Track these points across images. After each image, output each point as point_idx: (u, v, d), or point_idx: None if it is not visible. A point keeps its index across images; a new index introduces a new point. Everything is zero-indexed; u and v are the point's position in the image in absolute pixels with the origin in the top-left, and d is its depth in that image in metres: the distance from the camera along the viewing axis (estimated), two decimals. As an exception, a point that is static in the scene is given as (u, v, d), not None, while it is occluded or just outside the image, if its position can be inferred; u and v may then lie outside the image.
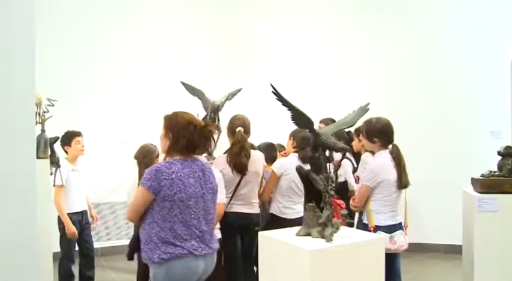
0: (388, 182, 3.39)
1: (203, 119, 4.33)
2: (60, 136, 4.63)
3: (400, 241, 3.37)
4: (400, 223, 3.48)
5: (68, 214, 4.51)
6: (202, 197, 2.69)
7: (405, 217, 3.63)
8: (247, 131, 4.00)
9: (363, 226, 3.46)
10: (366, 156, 4.44)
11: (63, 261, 4.60)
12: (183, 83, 4.70)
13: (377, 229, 3.35)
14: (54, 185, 4.46)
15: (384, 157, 3.47)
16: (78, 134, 4.73)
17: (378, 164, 3.48)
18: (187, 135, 2.67)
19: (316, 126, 2.77)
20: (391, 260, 3.40)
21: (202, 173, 2.74)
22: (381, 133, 3.48)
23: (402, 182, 3.41)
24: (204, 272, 2.73)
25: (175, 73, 6.31)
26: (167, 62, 7.15)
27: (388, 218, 3.41)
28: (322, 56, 7.26)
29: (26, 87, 2.33)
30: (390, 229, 3.37)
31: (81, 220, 4.66)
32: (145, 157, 3.99)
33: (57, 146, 4.54)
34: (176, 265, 2.60)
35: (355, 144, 4.84)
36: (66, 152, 4.71)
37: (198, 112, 4.47)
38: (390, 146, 3.51)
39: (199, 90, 4.64)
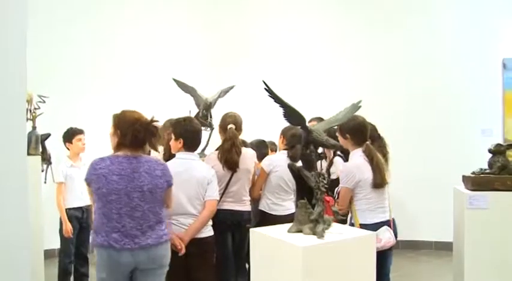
0: (366, 181, 3.34)
1: (195, 116, 4.34)
2: (63, 132, 4.72)
3: (386, 237, 3.32)
4: (388, 221, 3.41)
5: (66, 209, 4.51)
6: (126, 194, 2.78)
7: (389, 211, 3.55)
8: (238, 129, 4.00)
9: (350, 226, 3.37)
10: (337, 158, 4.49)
11: (60, 257, 4.60)
12: (176, 80, 4.70)
13: (362, 227, 3.24)
14: (45, 182, 4.45)
15: (357, 156, 3.44)
16: (80, 131, 4.75)
17: (352, 164, 3.45)
18: (133, 132, 2.82)
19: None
20: (379, 258, 3.39)
21: (134, 171, 2.81)
22: (353, 131, 3.45)
23: (376, 182, 3.34)
24: (137, 264, 2.82)
25: (168, 70, 6.31)
26: (159, 59, 7.14)
27: (373, 216, 3.35)
28: (315, 54, 7.26)
29: (17, 84, 2.33)
30: (375, 227, 3.26)
31: (80, 216, 4.64)
32: None
33: (49, 142, 4.53)
34: (103, 253, 2.81)
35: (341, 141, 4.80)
36: (68, 148, 4.73)
37: (190, 109, 4.48)
38: (364, 146, 3.45)
39: (192, 88, 4.64)
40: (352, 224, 3.41)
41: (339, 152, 4.85)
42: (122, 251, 2.78)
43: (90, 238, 2.88)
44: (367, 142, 3.47)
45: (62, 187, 4.51)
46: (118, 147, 2.90)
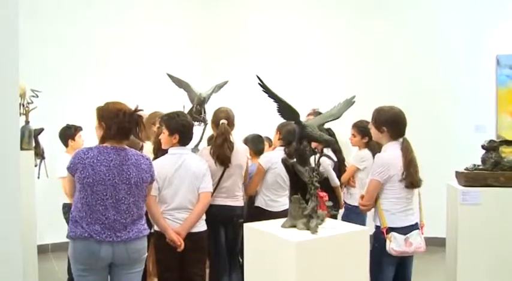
0: (399, 177, 3.15)
1: (189, 111, 4.33)
2: (62, 129, 4.79)
3: (417, 242, 3.16)
4: (417, 224, 3.25)
5: (64, 204, 4.50)
6: (113, 185, 2.77)
7: (420, 214, 3.39)
8: (231, 124, 3.99)
9: (375, 228, 3.25)
10: (364, 151, 4.52)
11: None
12: (170, 75, 4.68)
13: (390, 230, 3.12)
14: (38, 177, 4.42)
15: (393, 149, 3.21)
16: (80, 128, 4.85)
17: (387, 156, 3.21)
18: (118, 123, 2.82)
19: (303, 119, 2.77)
20: (404, 263, 3.28)
21: (122, 163, 2.81)
22: (390, 123, 3.23)
23: (408, 181, 3.14)
24: (115, 258, 2.82)
25: (162, 65, 6.28)
26: (153, 54, 7.10)
27: (402, 219, 3.18)
28: (308, 49, 7.25)
29: (9, 78, 2.31)
30: (405, 230, 3.14)
31: None
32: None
33: (42, 137, 4.50)
34: (79, 245, 2.77)
35: (353, 139, 4.78)
36: (68, 145, 4.76)
37: (184, 104, 4.46)
38: (401, 140, 3.27)
39: (186, 83, 4.62)
40: (376, 227, 3.24)
41: (325, 151, 4.85)
42: (103, 244, 2.76)
43: (68, 228, 2.85)
44: (405, 137, 3.27)
45: (65, 180, 4.49)
46: (103, 139, 2.88)
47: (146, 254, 2.99)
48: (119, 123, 2.82)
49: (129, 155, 2.86)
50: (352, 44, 7.07)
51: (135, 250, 2.86)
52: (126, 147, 2.91)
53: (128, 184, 2.80)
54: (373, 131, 3.37)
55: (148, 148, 4.03)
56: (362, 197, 3.34)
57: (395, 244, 3.12)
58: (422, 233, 3.26)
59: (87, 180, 2.74)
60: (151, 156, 3.70)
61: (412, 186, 3.18)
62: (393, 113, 3.27)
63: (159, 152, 3.72)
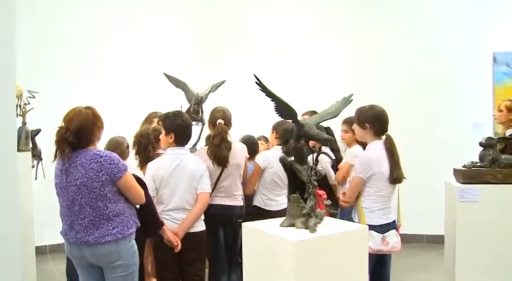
0: (381, 175, 3.20)
1: (187, 111, 4.32)
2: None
3: (393, 241, 3.22)
4: (394, 222, 3.31)
5: None
6: (65, 188, 2.81)
7: (398, 215, 3.46)
8: (228, 123, 3.98)
9: None
10: (355, 148, 4.47)
11: None
12: (167, 75, 4.67)
13: (369, 228, 2.99)
14: (36, 178, 4.41)
15: (377, 147, 3.28)
16: None
17: (370, 154, 3.28)
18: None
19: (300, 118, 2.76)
20: (381, 262, 3.33)
21: (70, 165, 2.79)
22: (373, 120, 3.28)
23: (394, 176, 3.20)
24: (90, 259, 2.84)
25: (159, 65, 6.27)
26: (150, 53, 7.09)
27: (380, 216, 3.23)
28: (308, 48, 7.24)
29: (6, 78, 2.30)
30: (383, 229, 3.20)
31: None
32: (115, 149, 3.90)
33: (39, 138, 4.49)
34: (64, 243, 2.93)
35: (344, 135, 4.77)
36: None
37: (182, 104, 4.46)
38: (384, 137, 3.31)
39: (183, 82, 4.61)
40: None
41: (324, 149, 4.85)
42: (72, 245, 2.86)
43: None
44: (388, 133, 3.31)
45: None
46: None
47: (121, 260, 2.84)
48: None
49: (78, 157, 2.79)
50: (350, 43, 7.08)
51: (100, 254, 2.80)
52: (88, 148, 2.82)
53: (74, 185, 2.76)
54: (356, 130, 3.43)
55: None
56: (344, 193, 3.40)
57: (372, 243, 3.17)
58: (399, 233, 3.32)
59: (54, 183, 2.91)
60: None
61: (396, 181, 3.24)
62: (375, 110, 3.32)
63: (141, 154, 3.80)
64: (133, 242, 2.93)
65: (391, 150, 3.24)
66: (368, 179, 3.23)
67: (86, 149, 2.82)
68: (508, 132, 4.60)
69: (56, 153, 2.83)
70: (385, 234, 3.19)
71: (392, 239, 3.22)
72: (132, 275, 2.92)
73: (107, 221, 2.79)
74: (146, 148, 3.85)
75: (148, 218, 3.08)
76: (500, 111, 4.70)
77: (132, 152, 4.02)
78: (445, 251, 4.23)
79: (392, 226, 3.28)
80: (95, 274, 2.92)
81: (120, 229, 2.82)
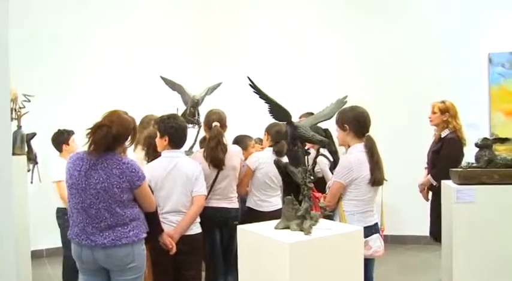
0: (362, 179, 3.13)
1: (183, 113, 4.32)
2: (55, 134, 4.73)
3: (376, 246, 3.16)
4: (376, 224, 3.25)
5: (58, 208, 4.48)
6: (83, 190, 2.77)
7: (381, 218, 3.40)
8: (223, 125, 3.98)
9: None
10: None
11: (66, 254, 4.50)
12: (163, 78, 4.67)
13: None
14: (31, 182, 4.41)
15: (358, 151, 3.20)
16: (73, 132, 4.79)
17: (351, 159, 3.19)
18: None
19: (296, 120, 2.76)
20: (364, 267, 3.32)
21: (91, 168, 2.77)
22: (352, 121, 3.21)
23: (374, 178, 3.13)
24: (100, 262, 2.83)
25: (155, 67, 6.28)
26: (147, 56, 7.10)
27: (362, 220, 3.14)
28: (305, 50, 7.27)
29: (0, 82, 2.29)
30: (364, 232, 3.01)
31: None
32: None
33: (34, 142, 4.49)
34: (72, 246, 2.91)
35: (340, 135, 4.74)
36: (61, 150, 4.70)
37: (178, 107, 4.46)
38: (364, 139, 3.23)
39: (179, 85, 4.62)
40: None
41: (322, 151, 4.85)
42: (83, 247, 2.83)
43: None
44: (369, 134, 3.23)
45: (59, 185, 4.45)
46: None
47: (135, 263, 2.87)
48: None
49: (100, 160, 2.78)
50: (344, 44, 7.10)
51: (115, 257, 2.81)
52: (108, 152, 2.81)
53: (94, 189, 2.75)
54: (338, 132, 3.36)
55: (138, 154, 4.01)
56: (324, 197, 3.35)
57: None
58: (383, 237, 3.27)
59: (67, 184, 2.87)
60: (143, 161, 3.70)
61: (377, 184, 3.17)
62: (355, 112, 3.25)
63: (152, 155, 3.70)
64: (144, 246, 2.98)
65: (371, 151, 3.17)
66: (349, 184, 3.17)
67: (107, 152, 2.81)
68: (443, 134, 4.62)
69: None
70: (368, 238, 3.09)
71: (375, 243, 3.16)
72: (140, 278, 2.96)
73: (124, 226, 2.83)
74: (156, 149, 3.84)
75: (151, 224, 3.06)
76: (434, 113, 4.72)
77: (132, 152, 4.01)
78: (442, 252, 4.24)
79: (374, 229, 3.21)
80: (101, 279, 2.92)
81: (136, 232, 2.86)
